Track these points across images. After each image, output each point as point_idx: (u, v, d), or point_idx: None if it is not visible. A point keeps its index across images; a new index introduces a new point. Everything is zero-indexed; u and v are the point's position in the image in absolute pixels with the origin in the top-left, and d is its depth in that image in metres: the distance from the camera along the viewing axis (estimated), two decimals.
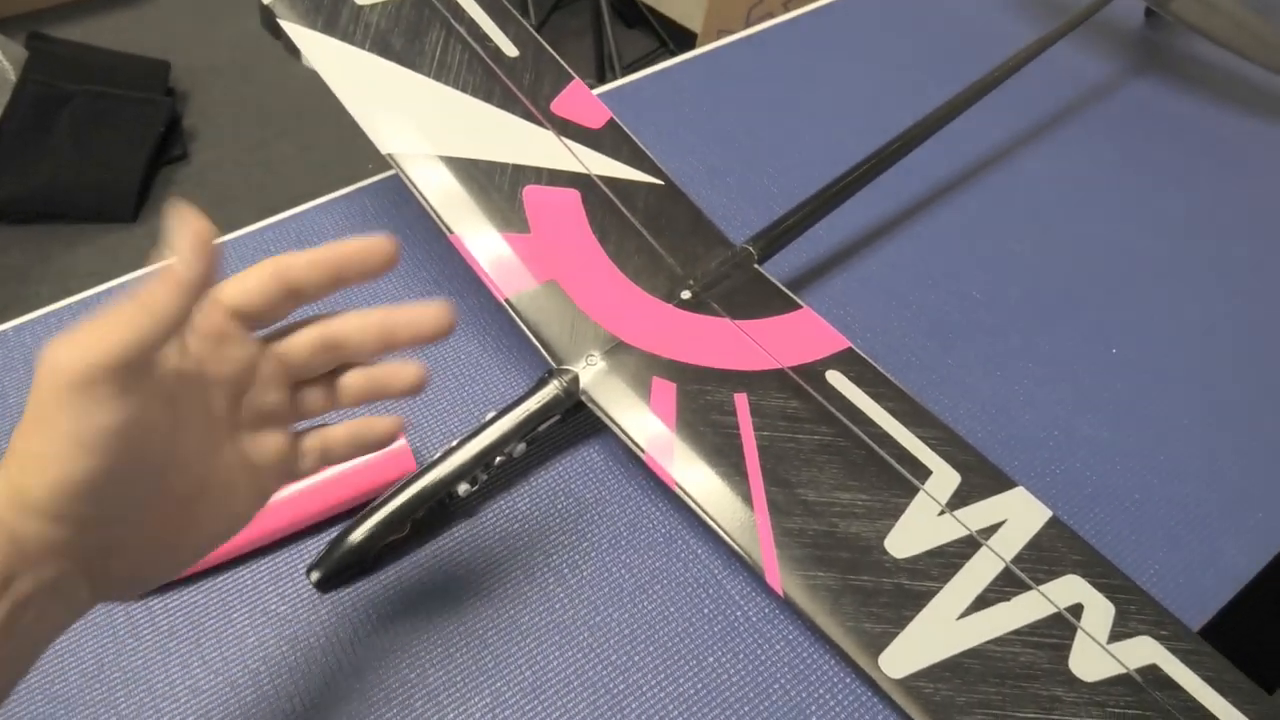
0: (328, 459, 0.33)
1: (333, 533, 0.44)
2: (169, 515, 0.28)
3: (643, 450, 0.44)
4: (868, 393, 0.46)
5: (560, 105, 0.54)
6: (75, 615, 0.27)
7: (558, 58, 0.56)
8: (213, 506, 0.29)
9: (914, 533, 0.42)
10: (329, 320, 0.31)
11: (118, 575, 0.27)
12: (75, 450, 0.23)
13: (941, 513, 0.43)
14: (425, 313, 0.32)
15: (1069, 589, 0.41)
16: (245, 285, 0.29)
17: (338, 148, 1.86)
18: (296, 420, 0.32)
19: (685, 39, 1.98)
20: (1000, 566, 0.41)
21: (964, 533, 0.42)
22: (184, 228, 0.25)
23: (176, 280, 0.24)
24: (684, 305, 0.48)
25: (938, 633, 0.40)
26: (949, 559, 0.42)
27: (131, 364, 0.23)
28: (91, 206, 1.64)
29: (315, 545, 0.44)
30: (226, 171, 1.79)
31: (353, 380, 0.32)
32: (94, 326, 0.23)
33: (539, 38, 0.56)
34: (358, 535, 0.42)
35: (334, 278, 0.30)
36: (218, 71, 1.98)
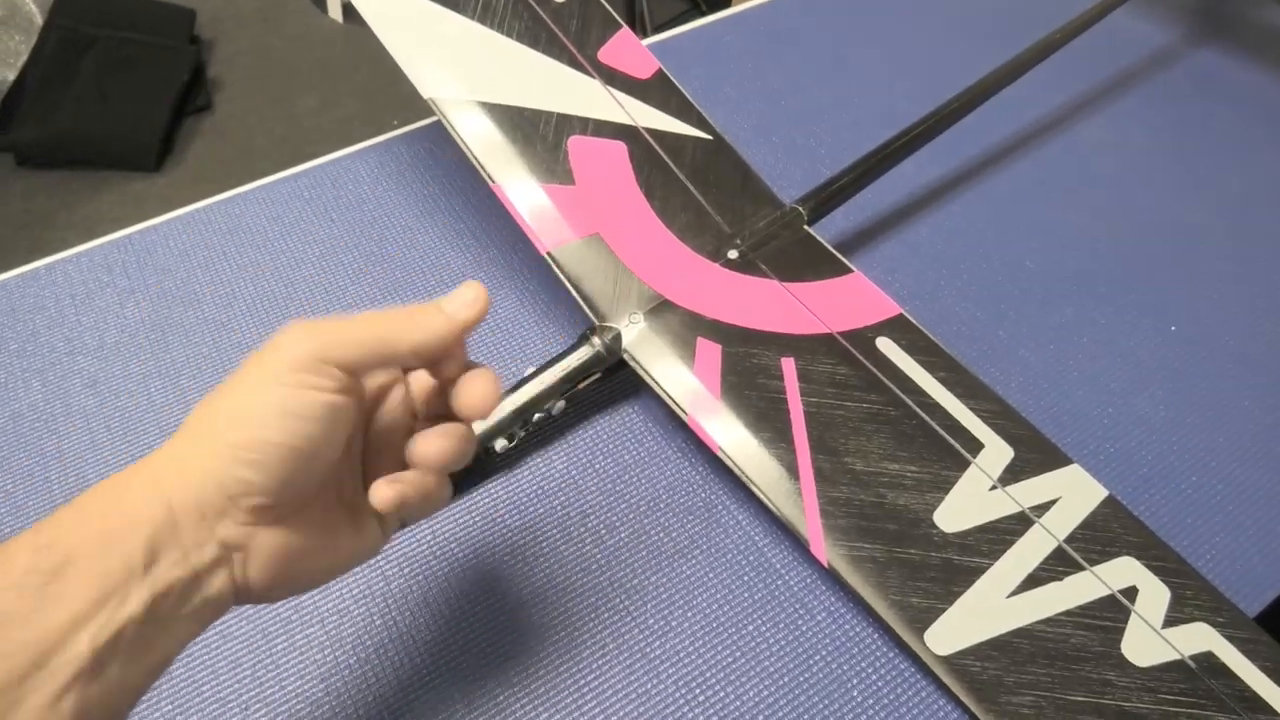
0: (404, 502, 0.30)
1: None
2: (313, 524, 0.28)
3: (685, 412, 0.42)
4: (919, 361, 0.45)
5: (607, 54, 0.52)
6: (213, 610, 0.26)
7: (605, 4, 0.54)
8: (338, 534, 0.30)
9: (964, 507, 0.41)
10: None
11: (261, 571, 0.27)
12: (279, 418, 0.26)
13: (993, 488, 0.41)
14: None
15: (1123, 571, 0.40)
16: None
17: (362, 104, 1.84)
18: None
19: (718, 1, 1.93)
20: (1053, 545, 0.40)
21: (1016, 509, 0.41)
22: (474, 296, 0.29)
23: (447, 321, 0.29)
24: (731, 265, 0.47)
25: (986, 610, 0.39)
26: (1000, 535, 0.40)
27: (358, 371, 0.27)
28: (114, 154, 1.63)
29: None
30: (250, 124, 1.77)
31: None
32: (342, 324, 0.27)
33: None
34: None
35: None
36: (243, 21, 1.96)
